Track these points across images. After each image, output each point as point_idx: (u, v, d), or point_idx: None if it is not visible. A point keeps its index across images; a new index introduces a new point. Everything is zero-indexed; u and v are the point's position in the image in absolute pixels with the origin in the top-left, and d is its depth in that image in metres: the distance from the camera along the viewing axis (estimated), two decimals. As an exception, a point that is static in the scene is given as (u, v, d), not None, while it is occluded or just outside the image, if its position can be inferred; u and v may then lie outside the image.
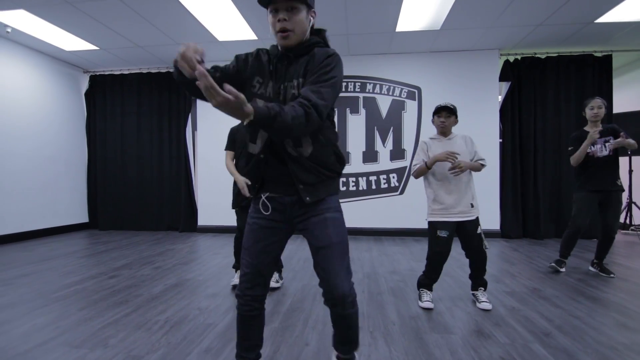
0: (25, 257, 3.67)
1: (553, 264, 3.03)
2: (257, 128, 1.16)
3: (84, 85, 5.69)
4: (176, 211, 5.49)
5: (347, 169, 4.99)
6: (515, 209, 4.77)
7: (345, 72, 4.92)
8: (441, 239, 2.14)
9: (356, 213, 4.87)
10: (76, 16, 3.79)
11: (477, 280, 2.28)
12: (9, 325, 1.98)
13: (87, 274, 3.01)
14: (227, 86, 0.85)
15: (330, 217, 1.19)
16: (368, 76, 4.98)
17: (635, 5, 3.57)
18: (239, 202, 2.52)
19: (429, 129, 2.14)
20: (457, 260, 3.31)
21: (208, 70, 1.01)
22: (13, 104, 4.49)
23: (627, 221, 4.77)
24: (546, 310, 2.18)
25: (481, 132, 4.72)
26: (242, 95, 0.86)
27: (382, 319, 2.06)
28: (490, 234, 4.65)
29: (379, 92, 4.98)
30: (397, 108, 4.95)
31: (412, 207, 4.75)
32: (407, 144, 4.93)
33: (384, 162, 4.97)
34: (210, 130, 5.22)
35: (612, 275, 2.87)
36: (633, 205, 4.74)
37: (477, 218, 2.17)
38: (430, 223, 2.22)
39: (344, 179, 5.00)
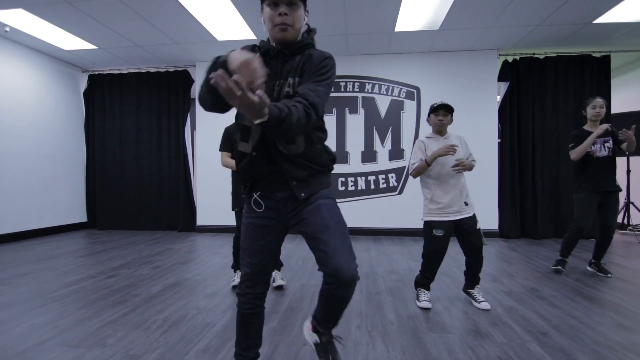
0: (23, 256, 3.67)
1: (559, 267, 3.01)
2: (249, 127, 1.16)
3: (83, 84, 5.68)
4: (175, 211, 5.49)
5: (346, 169, 5.00)
6: (513, 209, 4.78)
7: (344, 72, 4.98)
8: (437, 237, 2.16)
9: (355, 213, 4.87)
10: (75, 15, 3.78)
11: (474, 277, 2.28)
12: (7, 325, 1.98)
13: (86, 274, 3.01)
14: (259, 91, 0.85)
15: (324, 203, 1.18)
16: (367, 76, 4.98)
17: (633, 6, 3.58)
18: (239, 203, 2.53)
19: (428, 129, 2.14)
20: (455, 260, 3.32)
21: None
22: (12, 103, 4.49)
23: (625, 221, 4.78)
24: (544, 309, 2.19)
25: (480, 132, 4.74)
26: (267, 99, 0.87)
27: (380, 319, 2.06)
28: (488, 234, 4.65)
29: (377, 92, 4.98)
30: (396, 108, 4.96)
31: (410, 207, 4.75)
32: (406, 143, 4.93)
33: (383, 162, 4.98)
34: (209, 130, 5.21)
35: (609, 275, 2.88)
36: (631, 206, 4.76)
37: (475, 215, 2.18)
38: (426, 222, 2.23)
39: (343, 179, 5.00)
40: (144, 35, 4.31)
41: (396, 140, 4.96)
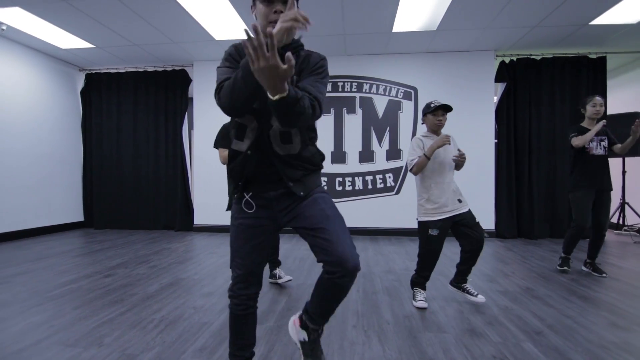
0: (19, 255, 3.66)
1: (565, 267, 3.03)
2: (245, 125, 1.16)
3: (80, 83, 5.65)
4: (172, 210, 5.48)
5: (343, 169, 5.01)
6: (509, 209, 4.80)
7: (342, 72, 4.98)
8: (432, 237, 2.17)
9: (352, 213, 4.88)
10: (72, 14, 3.77)
11: (469, 270, 2.25)
12: (4, 324, 1.98)
13: (82, 273, 3.00)
14: (289, 53, 0.84)
15: (320, 197, 1.19)
16: (365, 76, 4.99)
17: (629, 7, 3.61)
18: None
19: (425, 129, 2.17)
20: (451, 260, 3.33)
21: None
22: (8, 101, 4.46)
23: (620, 222, 4.82)
24: (539, 309, 2.21)
25: (476, 132, 4.76)
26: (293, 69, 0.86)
27: (376, 318, 2.08)
28: (485, 234, 4.67)
29: (375, 92, 4.99)
30: (393, 108, 4.97)
31: (408, 207, 4.76)
32: (404, 144, 4.95)
33: (380, 162, 4.99)
34: (207, 130, 5.20)
35: (604, 275, 2.90)
36: (626, 206, 4.79)
37: (470, 210, 2.21)
38: (421, 222, 2.24)
39: (340, 179, 5.01)
40: (141, 34, 4.30)
41: (394, 141, 4.98)
